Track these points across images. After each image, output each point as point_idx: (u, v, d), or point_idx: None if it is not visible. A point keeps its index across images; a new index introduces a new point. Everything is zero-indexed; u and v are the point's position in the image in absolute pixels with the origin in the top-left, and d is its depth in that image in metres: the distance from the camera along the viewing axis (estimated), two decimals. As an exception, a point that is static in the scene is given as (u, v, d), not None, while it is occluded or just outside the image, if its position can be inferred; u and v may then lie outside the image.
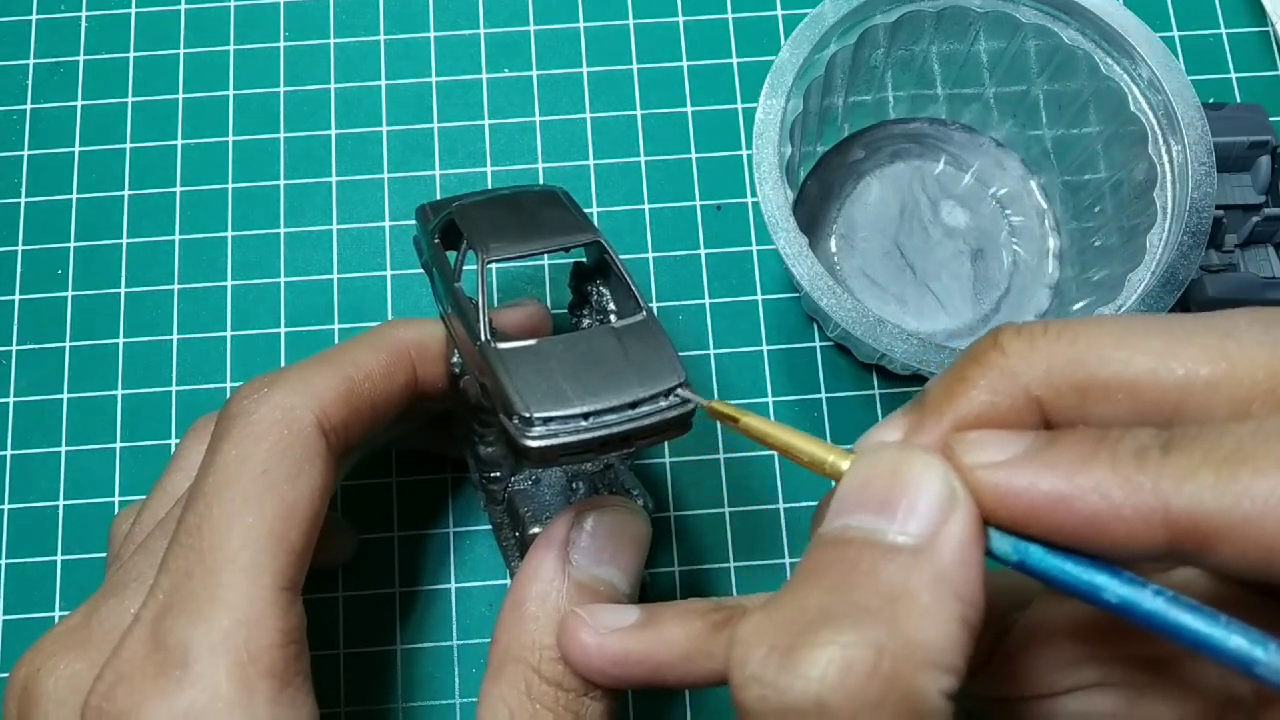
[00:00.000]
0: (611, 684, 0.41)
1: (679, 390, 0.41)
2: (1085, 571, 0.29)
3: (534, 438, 0.40)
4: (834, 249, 0.65)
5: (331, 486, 0.45)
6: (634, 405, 0.41)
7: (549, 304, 0.63)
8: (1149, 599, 0.28)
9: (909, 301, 0.64)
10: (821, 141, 0.66)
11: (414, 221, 0.56)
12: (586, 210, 0.54)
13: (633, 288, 0.45)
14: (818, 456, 0.35)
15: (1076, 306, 0.59)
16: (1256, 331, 0.30)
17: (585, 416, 0.41)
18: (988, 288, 0.64)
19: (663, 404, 0.41)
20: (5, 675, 0.60)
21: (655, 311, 0.45)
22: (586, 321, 0.51)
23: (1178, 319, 0.31)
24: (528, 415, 0.40)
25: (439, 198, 0.59)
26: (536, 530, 0.48)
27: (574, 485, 0.50)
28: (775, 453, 0.41)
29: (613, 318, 0.47)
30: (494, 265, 0.50)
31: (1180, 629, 0.28)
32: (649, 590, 0.59)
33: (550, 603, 0.42)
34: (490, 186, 0.68)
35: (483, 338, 0.44)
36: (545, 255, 0.50)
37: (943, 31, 0.59)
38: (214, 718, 0.40)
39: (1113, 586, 0.29)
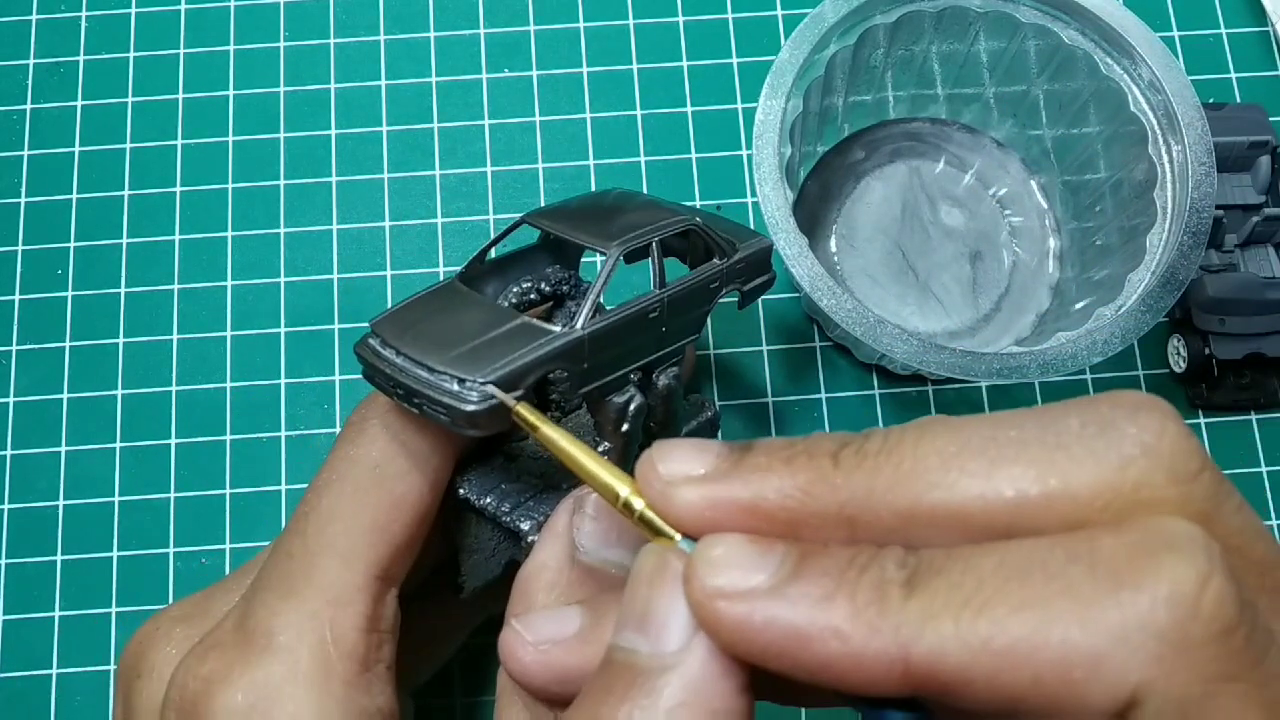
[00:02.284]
0: (565, 701, 0.37)
1: (476, 385, 0.40)
2: None
3: (362, 342, 0.43)
4: (834, 249, 0.65)
5: (444, 483, 0.46)
6: (431, 371, 0.41)
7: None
8: None
9: (910, 301, 0.64)
10: (821, 141, 0.66)
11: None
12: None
13: (586, 303, 0.44)
14: (609, 486, 0.34)
15: (1077, 306, 0.59)
16: (1089, 437, 0.28)
17: (399, 353, 0.42)
18: (988, 288, 0.64)
19: (448, 385, 0.40)
20: (5, 675, 0.60)
21: (579, 337, 0.43)
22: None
23: (1009, 422, 0.30)
24: (369, 325, 0.43)
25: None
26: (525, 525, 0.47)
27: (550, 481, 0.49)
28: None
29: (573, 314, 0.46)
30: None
31: None
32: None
33: (559, 591, 0.41)
34: (490, 186, 0.68)
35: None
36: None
37: (943, 31, 0.59)
38: (288, 690, 0.41)
39: None
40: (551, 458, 0.47)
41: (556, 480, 0.47)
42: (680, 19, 0.71)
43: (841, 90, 0.62)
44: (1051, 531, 0.28)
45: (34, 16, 0.71)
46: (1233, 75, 0.69)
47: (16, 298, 0.66)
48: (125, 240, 0.67)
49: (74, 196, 0.68)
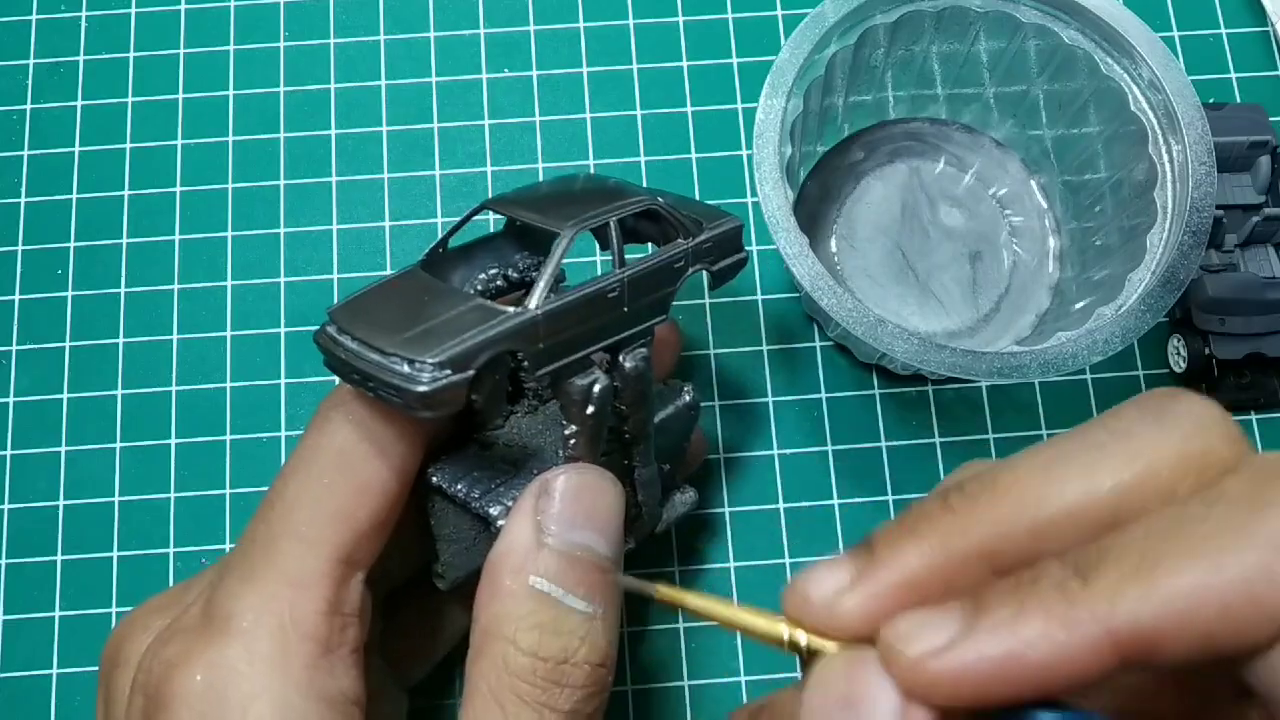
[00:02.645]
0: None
1: (426, 366, 0.40)
2: None
3: (320, 330, 0.44)
4: (834, 249, 0.65)
5: (412, 470, 0.46)
6: (383, 354, 0.41)
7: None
8: None
9: (910, 301, 0.64)
10: (821, 141, 0.66)
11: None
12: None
13: (540, 282, 0.44)
14: (771, 632, 0.35)
15: (1077, 306, 0.59)
16: (1148, 424, 0.32)
17: (353, 339, 0.42)
18: (988, 288, 0.64)
19: (399, 368, 0.40)
20: (5, 675, 0.60)
21: (532, 317, 0.43)
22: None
23: (1083, 434, 0.33)
24: (328, 314, 0.44)
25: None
26: (495, 510, 0.46)
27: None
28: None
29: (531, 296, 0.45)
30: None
31: None
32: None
33: (526, 575, 0.41)
34: (490, 186, 0.69)
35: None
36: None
37: (943, 31, 0.59)
38: (245, 671, 0.41)
39: None
40: (526, 444, 0.48)
41: (530, 467, 0.47)
42: (680, 19, 0.71)
43: (841, 90, 0.62)
44: (1152, 507, 0.31)
45: (34, 16, 0.71)
46: (1233, 75, 0.69)
47: (16, 298, 0.66)
48: (125, 240, 0.67)
49: (74, 196, 0.68)
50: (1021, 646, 0.30)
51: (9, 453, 0.64)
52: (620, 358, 0.47)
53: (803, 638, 0.34)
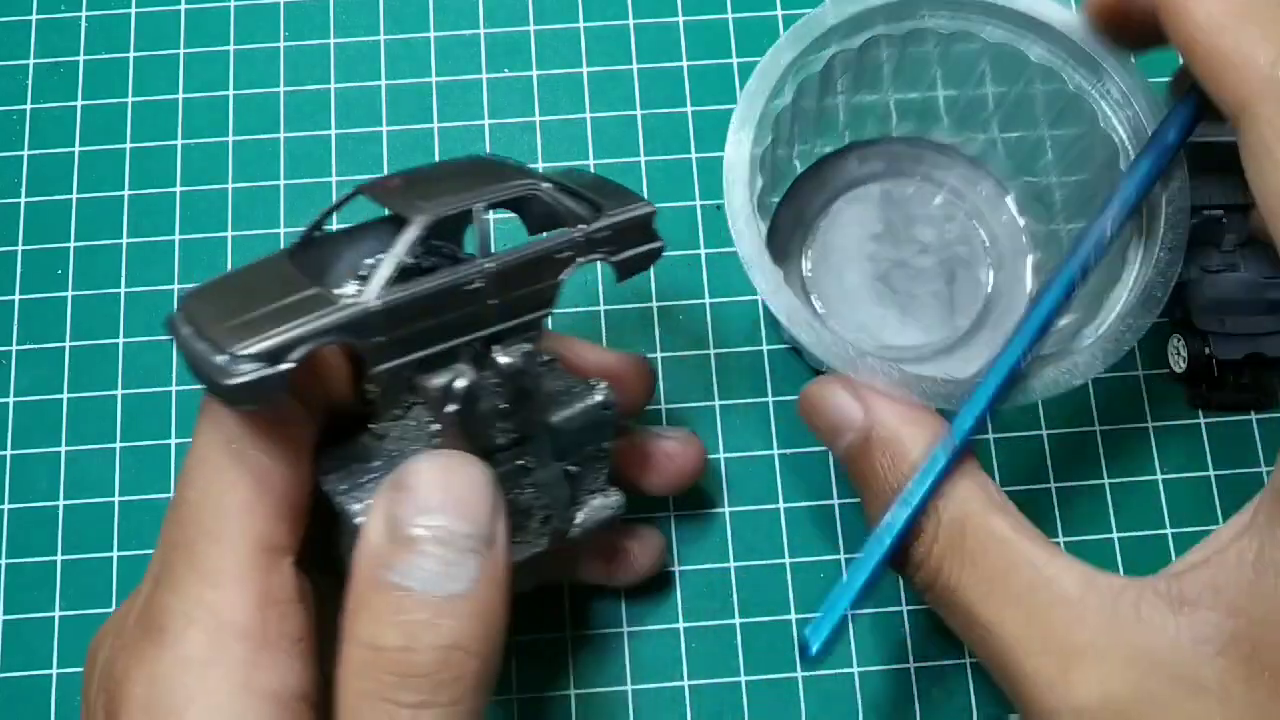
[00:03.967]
0: None
1: (239, 357, 0.38)
2: None
3: (172, 313, 0.41)
4: (808, 272, 0.64)
5: (313, 444, 0.45)
6: (208, 343, 0.39)
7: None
8: None
9: (888, 321, 0.64)
10: (794, 164, 0.65)
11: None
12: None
13: (380, 271, 0.41)
14: None
15: (1057, 325, 0.58)
16: None
17: (188, 324, 0.40)
18: (966, 305, 0.64)
19: (216, 359, 0.38)
20: (5, 675, 0.61)
21: (368, 309, 0.40)
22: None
23: None
24: (182, 297, 0.42)
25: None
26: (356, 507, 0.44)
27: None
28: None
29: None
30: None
31: None
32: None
33: (379, 571, 0.40)
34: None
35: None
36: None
37: (906, 58, 0.58)
38: (180, 679, 0.40)
39: None
40: (417, 438, 0.45)
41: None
42: (680, 19, 0.71)
43: (812, 118, 0.61)
44: None
45: (34, 16, 0.72)
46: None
47: (16, 298, 0.67)
48: (125, 240, 0.68)
49: (74, 196, 0.69)
50: None
51: (9, 453, 0.65)
52: (492, 352, 0.45)
53: None
